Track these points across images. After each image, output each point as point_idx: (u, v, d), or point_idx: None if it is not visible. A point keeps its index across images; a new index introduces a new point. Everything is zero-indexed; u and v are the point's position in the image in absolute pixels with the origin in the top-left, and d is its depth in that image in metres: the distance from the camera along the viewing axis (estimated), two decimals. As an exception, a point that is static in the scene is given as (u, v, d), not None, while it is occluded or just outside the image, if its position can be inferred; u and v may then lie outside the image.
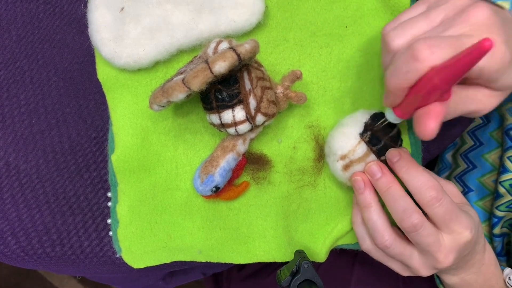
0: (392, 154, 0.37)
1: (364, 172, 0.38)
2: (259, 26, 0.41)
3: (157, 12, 0.39)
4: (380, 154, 0.37)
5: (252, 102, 0.35)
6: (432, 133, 0.29)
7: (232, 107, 0.34)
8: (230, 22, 0.39)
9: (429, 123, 0.29)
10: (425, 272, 0.37)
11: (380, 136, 0.37)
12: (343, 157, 0.38)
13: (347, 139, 0.38)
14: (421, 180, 0.34)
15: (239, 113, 0.34)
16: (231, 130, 0.36)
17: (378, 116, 0.37)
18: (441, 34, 0.29)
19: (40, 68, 0.46)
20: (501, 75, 0.30)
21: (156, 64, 0.41)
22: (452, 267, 0.38)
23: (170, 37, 0.39)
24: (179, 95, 0.32)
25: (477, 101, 0.32)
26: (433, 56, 0.27)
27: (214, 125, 0.37)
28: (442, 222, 0.34)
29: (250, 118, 0.35)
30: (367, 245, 0.40)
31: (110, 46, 0.39)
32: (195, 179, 0.40)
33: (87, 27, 0.40)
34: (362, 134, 0.37)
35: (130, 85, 0.42)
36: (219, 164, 0.38)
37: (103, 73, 0.41)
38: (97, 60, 0.42)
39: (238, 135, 0.38)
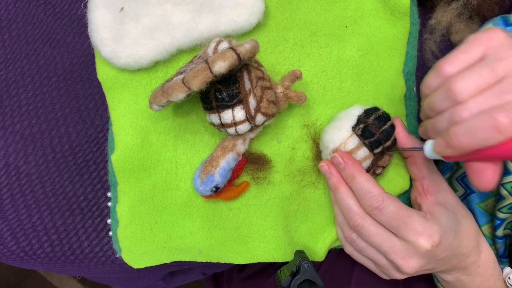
0: (337, 160, 0.38)
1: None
2: (259, 26, 0.41)
3: (157, 12, 0.39)
4: (373, 147, 0.37)
5: (252, 102, 0.35)
6: (492, 185, 0.30)
7: (232, 107, 0.34)
8: (230, 22, 0.39)
9: (489, 176, 0.30)
10: (396, 275, 0.38)
11: (373, 129, 0.37)
12: (335, 151, 0.38)
13: (339, 132, 0.38)
14: (364, 188, 0.36)
15: (239, 113, 0.34)
16: (231, 130, 0.36)
17: (372, 111, 0.37)
18: (506, 95, 0.29)
19: (40, 68, 0.46)
20: None
21: (156, 64, 0.41)
22: (440, 271, 0.38)
23: (170, 37, 0.39)
24: (179, 95, 0.32)
25: None
26: None
27: (214, 125, 0.37)
28: (391, 228, 0.36)
29: (250, 118, 0.35)
30: (348, 247, 0.41)
31: (110, 46, 0.39)
32: (195, 179, 0.40)
33: (87, 27, 0.40)
34: (354, 127, 0.37)
35: (130, 85, 0.42)
36: (219, 164, 0.38)
37: (103, 73, 0.41)
38: (97, 60, 0.42)
39: (238, 135, 0.38)
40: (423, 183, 0.39)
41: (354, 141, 0.37)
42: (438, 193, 0.39)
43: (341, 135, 0.38)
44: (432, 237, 0.35)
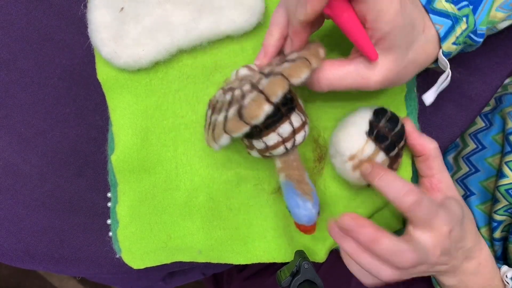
0: (364, 166, 0.37)
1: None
2: (259, 26, 0.41)
3: (157, 12, 0.39)
4: (389, 151, 0.37)
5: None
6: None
7: (288, 118, 0.34)
8: (230, 22, 0.38)
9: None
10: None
11: (386, 132, 0.37)
12: (352, 158, 0.38)
13: (355, 139, 0.37)
14: (398, 185, 0.34)
15: (295, 120, 0.34)
16: (288, 145, 0.34)
17: (380, 112, 0.37)
18: None
19: (40, 68, 0.46)
20: (391, 30, 0.30)
21: (156, 64, 0.41)
22: (448, 269, 0.38)
23: (170, 37, 0.39)
24: (279, 93, 0.30)
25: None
26: None
27: (259, 151, 0.35)
28: (423, 222, 0.34)
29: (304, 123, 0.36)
30: (387, 275, 0.36)
31: (110, 46, 0.39)
32: (299, 206, 0.35)
33: (87, 27, 0.40)
34: (368, 133, 0.37)
35: (130, 85, 0.41)
36: (308, 182, 0.37)
37: (102, 73, 0.41)
38: (97, 60, 0.41)
39: (288, 151, 0.36)
40: (432, 181, 0.39)
41: (371, 147, 0.37)
42: (447, 191, 0.39)
43: (357, 142, 0.37)
44: (450, 224, 0.35)
